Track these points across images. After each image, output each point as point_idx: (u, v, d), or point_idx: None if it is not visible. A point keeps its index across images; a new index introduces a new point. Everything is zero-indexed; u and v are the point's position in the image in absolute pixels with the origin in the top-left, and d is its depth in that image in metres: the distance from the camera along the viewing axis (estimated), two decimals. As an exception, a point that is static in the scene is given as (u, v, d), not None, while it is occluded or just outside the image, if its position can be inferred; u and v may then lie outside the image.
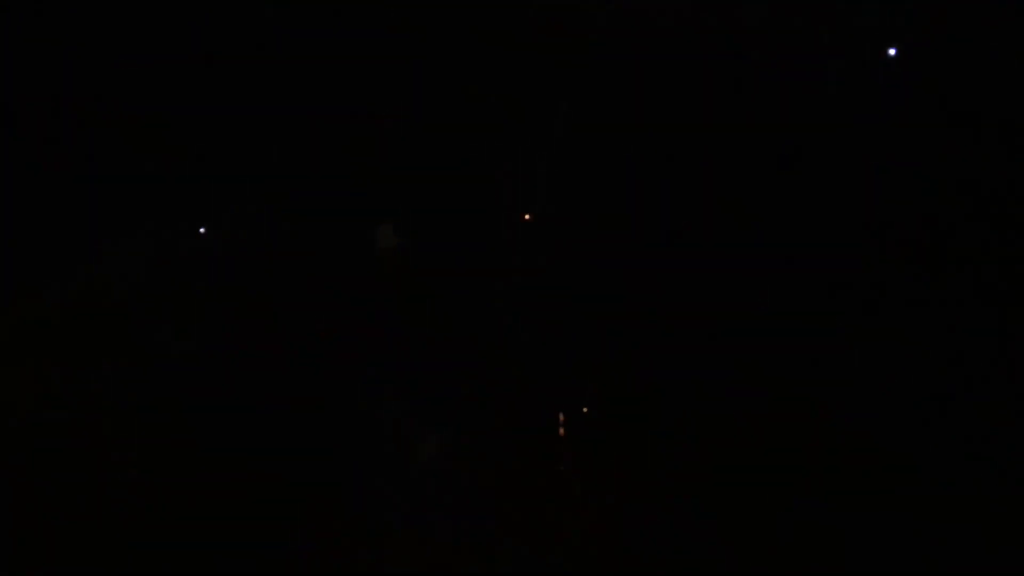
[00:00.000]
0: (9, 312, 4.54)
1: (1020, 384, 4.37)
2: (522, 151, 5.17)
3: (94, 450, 4.13)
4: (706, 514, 4.03)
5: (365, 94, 5.43)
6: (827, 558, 3.93)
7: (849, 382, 4.40)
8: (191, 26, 5.58)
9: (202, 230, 4.84)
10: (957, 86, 5.12)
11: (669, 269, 4.74)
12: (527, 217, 4.40)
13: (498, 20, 5.47)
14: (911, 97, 5.17)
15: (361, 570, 3.89)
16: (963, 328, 4.53)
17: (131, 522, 3.93)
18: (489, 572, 3.91)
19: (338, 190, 5.07)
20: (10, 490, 4.00)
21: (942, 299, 4.62)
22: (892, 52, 4.70)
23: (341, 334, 4.54)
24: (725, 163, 5.10)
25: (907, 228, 4.89)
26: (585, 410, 4.27)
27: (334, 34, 5.58)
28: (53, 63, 5.43)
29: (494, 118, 5.28)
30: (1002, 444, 4.18)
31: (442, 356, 4.47)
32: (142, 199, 4.98)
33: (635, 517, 4.02)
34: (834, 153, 5.14)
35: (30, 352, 4.45)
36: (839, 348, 4.50)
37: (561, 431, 4.29)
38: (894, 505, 4.03)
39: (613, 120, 5.26)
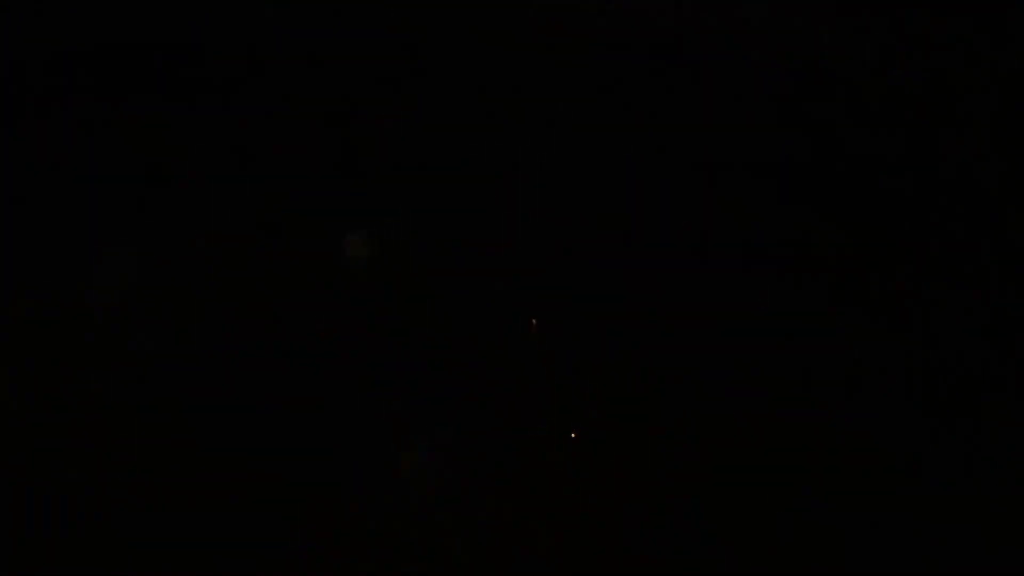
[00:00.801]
0: (9, 312, 4.53)
1: (1020, 384, 4.38)
2: (522, 151, 5.17)
3: (94, 450, 4.13)
4: (706, 514, 4.03)
5: (364, 94, 5.44)
6: (827, 558, 3.93)
7: (849, 382, 4.40)
8: (191, 25, 5.58)
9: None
10: (955, 86, 5.12)
11: (669, 269, 4.74)
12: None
13: (498, 20, 5.47)
14: (910, 96, 5.17)
15: (361, 570, 3.89)
16: (963, 328, 4.53)
17: (131, 522, 3.93)
18: (489, 572, 3.91)
19: (338, 190, 5.07)
20: (10, 490, 4.00)
21: (943, 299, 4.63)
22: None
23: (340, 334, 4.53)
24: (725, 163, 5.11)
25: (908, 228, 4.89)
26: (574, 435, 4.27)
27: (333, 34, 5.58)
28: (51, 59, 5.43)
29: (494, 118, 5.28)
30: (1002, 444, 4.18)
31: (442, 356, 4.47)
32: (142, 199, 4.98)
33: (635, 517, 4.02)
34: (835, 153, 5.14)
35: (30, 352, 4.45)
36: (839, 348, 4.50)
37: (559, 433, 4.29)
38: (894, 505, 4.03)
39: (613, 120, 5.27)
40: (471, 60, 5.44)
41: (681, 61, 5.34)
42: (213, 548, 3.87)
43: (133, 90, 5.39)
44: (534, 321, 4.48)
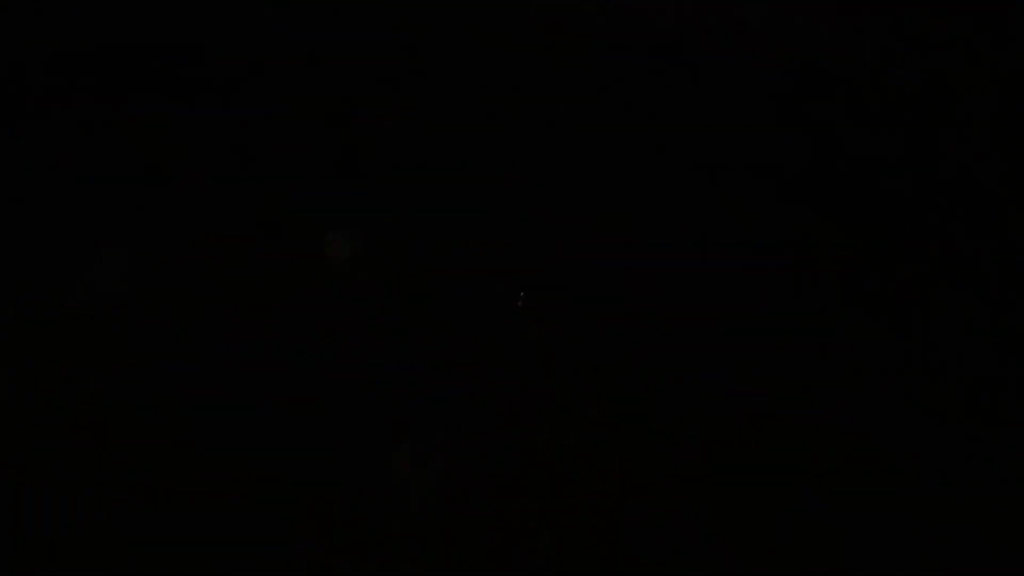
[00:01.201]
0: (9, 312, 4.53)
1: (1020, 384, 4.38)
2: (522, 151, 5.17)
3: (94, 450, 4.13)
4: (706, 514, 4.03)
5: (364, 94, 5.44)
6: (827, 558, 3.93)
7: (849, 382, 4.41)
8: (191, 25, 5.58)
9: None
10: (955, 86, 5.12)
11: (669, 269, 4.74)
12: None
13: (498, 20, 5.48)
14: (910, 96, 5.17)
15: (361, 570, 3.89)
16: (964, 328, 4.53)
17: (131, 522, 3.93)
18: (488, 572, 3.91)
19: (338, 190, 5.07)
20: (10, 490, 4.00)
21: (943, 299, 4.63)
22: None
23: (339, 334, 4.54)
24: (725, 163, 5.11)
25: (908, 228, 4.89)
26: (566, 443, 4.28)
27: (333, 34, 5.58)
28: (51, 59, 5.44)
29: (494, 118, 5.28)
30: (1002, 444, 4.18)
31: (441, 356, 4.47)
32: (142, 199, 4.99)
33: (635, 517, 4.02)
34: (835, 153, 5.14)
35: (30, 352, 4.45)
36: (839, 348, 4.50)
37: (559, 431, 4.29)
38: (894, 505, 4.04)
39: (613, 120, 5.27)
40: (471, 60, 5.44)
41: (681, 61, 5.34)
42: (213, 548, 3.88)
43: (133, 90, 5.39)
44: (522, 294, 4.47)
